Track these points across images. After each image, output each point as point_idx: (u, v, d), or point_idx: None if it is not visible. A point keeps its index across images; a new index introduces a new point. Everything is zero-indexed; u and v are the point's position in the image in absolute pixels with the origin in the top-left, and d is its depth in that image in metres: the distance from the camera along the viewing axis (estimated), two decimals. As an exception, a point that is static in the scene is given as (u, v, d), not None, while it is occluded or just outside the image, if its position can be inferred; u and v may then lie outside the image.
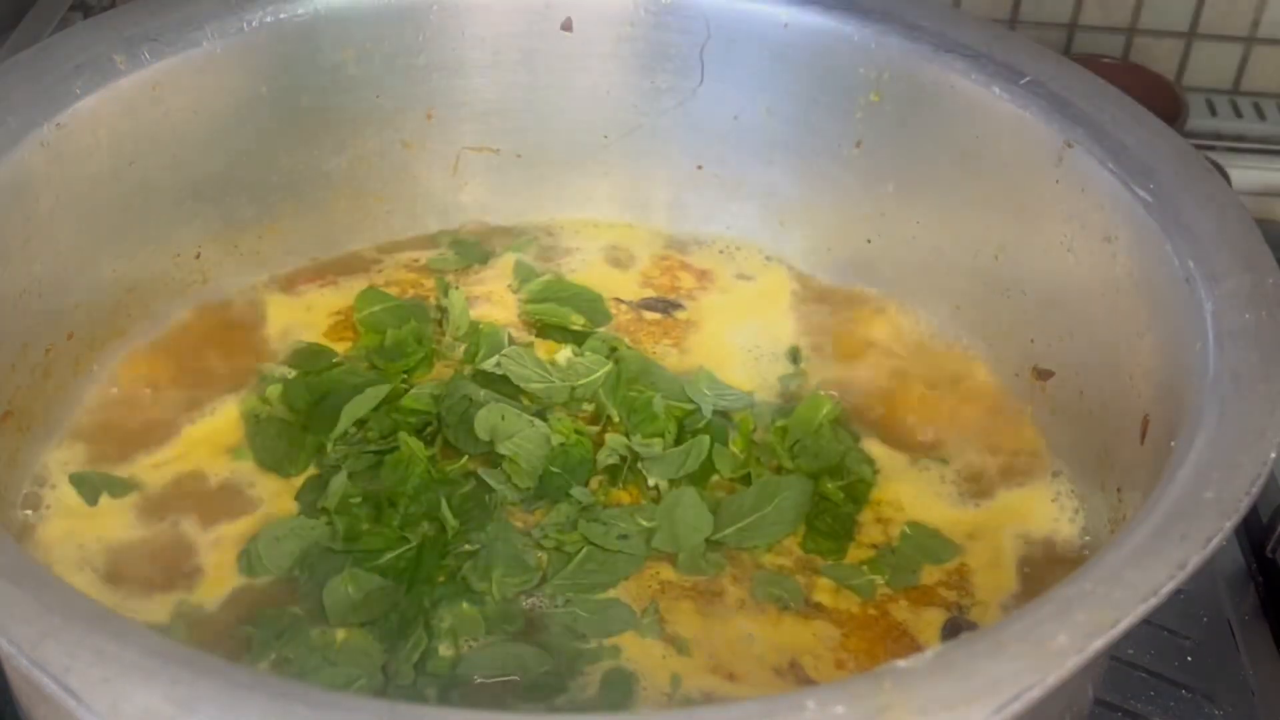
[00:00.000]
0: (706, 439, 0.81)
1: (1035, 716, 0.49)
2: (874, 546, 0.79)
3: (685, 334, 0.93)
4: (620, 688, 0.69)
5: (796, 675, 0.71)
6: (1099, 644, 0.50)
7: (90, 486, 0.78)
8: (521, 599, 0.74)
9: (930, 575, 0.77)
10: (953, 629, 0.74)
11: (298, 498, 0.79)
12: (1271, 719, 0.80)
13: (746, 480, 0.81)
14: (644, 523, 0.77)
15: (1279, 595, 0.87)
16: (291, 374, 0.86)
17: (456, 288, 0.93)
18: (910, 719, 0.47)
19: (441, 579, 0.74)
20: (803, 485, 0.79)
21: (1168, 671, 0.81)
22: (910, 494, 0.82)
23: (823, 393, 0.87)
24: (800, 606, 0.75)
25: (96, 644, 0.49)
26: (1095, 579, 0.53)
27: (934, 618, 0.75)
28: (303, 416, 0.83)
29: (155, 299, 0.88)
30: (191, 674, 0.48)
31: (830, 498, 0.80)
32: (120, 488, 0.79)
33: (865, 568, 0.77)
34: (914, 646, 0.73)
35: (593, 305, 0.93)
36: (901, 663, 0.49)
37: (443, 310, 0.92)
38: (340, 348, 0.90)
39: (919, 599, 0.76)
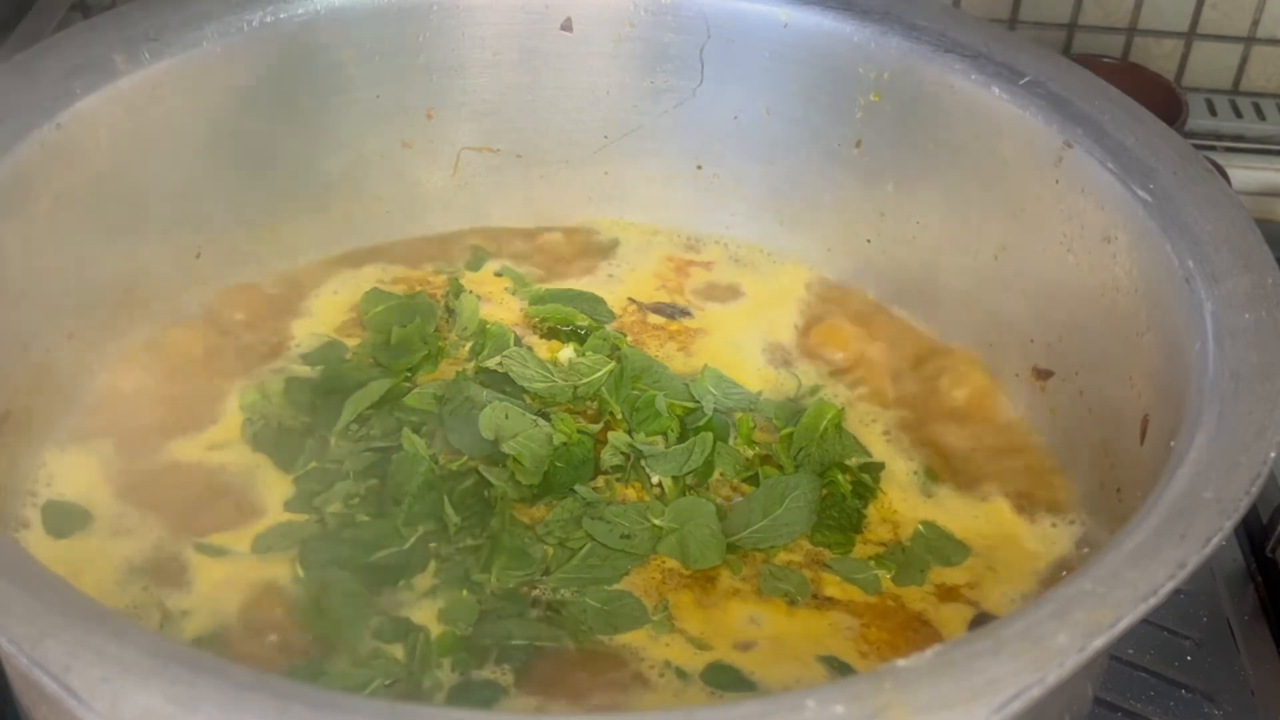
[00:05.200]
0: (710, 435, 0.82)
1: (1035, 716, 0.49)
2: (882, 544, 0.79)
3: (689, 336, 0.93)
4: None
5: (830, 666, 0.71)
6: (1099, 643, 0.50)
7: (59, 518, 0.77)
8: (525, 589, 0.74)
9: (936, 575, 0.77)
10: (979, 624, 0.74)
11: (295, 483, 0.79)
12: (1271, 719, 0.80)
13: (753, 481, 0.81)
14: (653, 519, 0.77)
15: (1279, 595, 0.87)
16: (306, 370, 0.87)
17: (470, 291, 0.93)
18: (910, 718, 0.47)
19: (435, 570, 0.74)
20: (811, 483, 0.80)
21: (1168, 671, 0.81)
22: (911, 493, 0.82)
23: (826, 399, 0.87)
24: (807, 600, 0.75)
25: (96, 644, 0.49)
26: (1095, 579, 0.53)
27: (951, 613, 0.75)
28: (305, 413, 0.83)
29: (155, 299, 0.88)
30: (191, 674, 0.48)
31: (839, 489, 0.80)
32: (83, 520, 0.77)
33: (872, 563, 0.77)
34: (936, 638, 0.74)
35: (595, 305, 0.94)
36: (902, 662, 0.49)
37: (450, 310, 0.92)
38: (349, 344, 0.90)
39: (929, 594, 0.76)
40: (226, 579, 0.74)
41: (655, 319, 0.94)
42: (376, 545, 0.75)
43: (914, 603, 0.75)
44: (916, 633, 0.74)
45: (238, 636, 0.71)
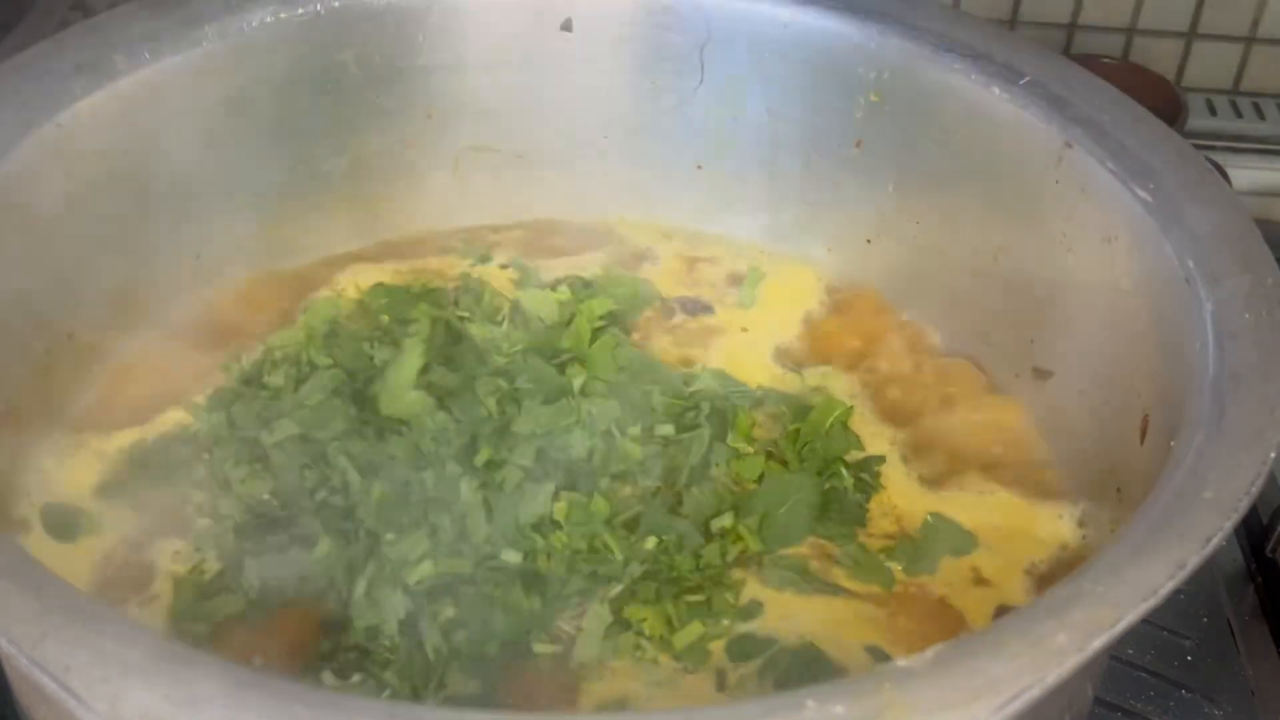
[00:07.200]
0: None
1: (1035, 716, 0.49)
2: (888, 536, 0.79)
3: (698, 334, 0.93)
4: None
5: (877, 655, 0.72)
6: (1098, 643, 0.50)
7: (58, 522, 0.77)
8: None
9: (948, 564, 0.77)
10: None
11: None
12: (1271, 719, 0.80)
13: (755, 479, 0.81)
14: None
15: (1279, 595, 0.88)
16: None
17: (487, 283, 0.93)
18: (910, 718, 0.47)
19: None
20: (812, 484, 0.80)
21: (1168, 671, 0.81)
22: (911, 488, 0.82)
23: (832, 397, 0.87)
24: (819, 589, 0.75)
25: (96, 644, 0.49)
26: (1095, 579, 0.53)
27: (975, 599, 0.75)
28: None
29: (156, 299, 0.88)
30: (191, 674, 0.48)
31: (841, 483, 0.81)
32: (87, 523, 0.77)
33: (881, 555, 0.77)
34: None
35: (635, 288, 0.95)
36: (901, 662, 0.49)
37: (456, 303, 0.92)
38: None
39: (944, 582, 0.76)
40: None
41: (676, 315, 0.94)
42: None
43: (935, 590, 0.75)
44: (943, 619, 0.74)
45: (241, 635, 0.71)
